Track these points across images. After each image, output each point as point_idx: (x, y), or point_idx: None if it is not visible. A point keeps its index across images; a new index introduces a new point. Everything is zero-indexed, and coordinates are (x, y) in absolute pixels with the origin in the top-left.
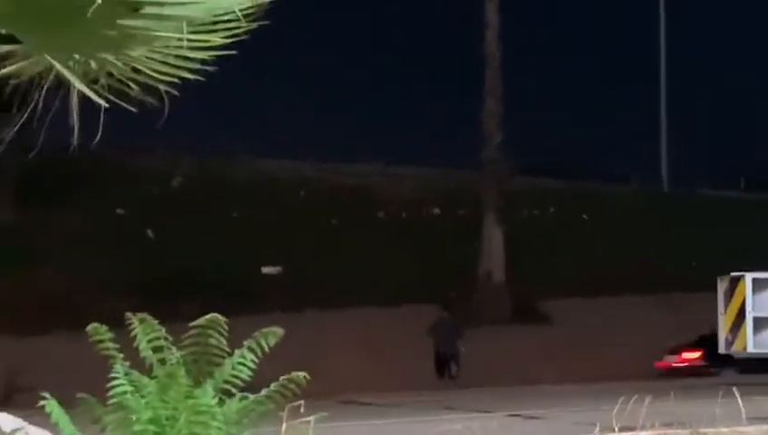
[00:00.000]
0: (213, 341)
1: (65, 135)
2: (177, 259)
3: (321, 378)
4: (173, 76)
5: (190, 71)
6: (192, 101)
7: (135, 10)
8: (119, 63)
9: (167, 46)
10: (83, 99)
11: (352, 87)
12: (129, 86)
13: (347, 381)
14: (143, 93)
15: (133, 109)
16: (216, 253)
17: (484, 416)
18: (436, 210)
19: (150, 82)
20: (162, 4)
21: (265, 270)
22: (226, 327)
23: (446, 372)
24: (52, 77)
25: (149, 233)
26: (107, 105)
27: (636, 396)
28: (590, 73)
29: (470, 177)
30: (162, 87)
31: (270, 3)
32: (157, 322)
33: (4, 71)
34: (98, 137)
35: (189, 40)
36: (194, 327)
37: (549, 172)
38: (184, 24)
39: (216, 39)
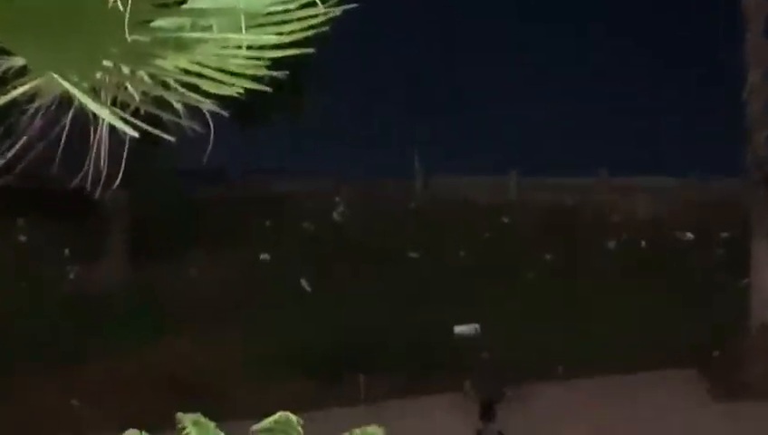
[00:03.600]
0: None
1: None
2: (346, 318)
3: None
4: (232, 86)
5: (253, 79)
6: (348, 105)
7: (164, 6)
8: (146, 78)
9: (223, 49)
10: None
11: (559, 75)
12: (170, 106)
13: None
14: (187, 115)
15: (171, 138)
16: (394, 308)
17: None
18: (688, 235)
19: (195, 101)
20: None
21: (458, 329)
22: (301, 430)
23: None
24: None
25: (305, 284)
26: (136, 134)
27: None
28: None
29: (730, 186)
30: (208, 107)
31: None
32: (214, 423)
33: (14, 93)
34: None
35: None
36: (260, 431)
37: None
38: (242, 18)
39: (284, 35)
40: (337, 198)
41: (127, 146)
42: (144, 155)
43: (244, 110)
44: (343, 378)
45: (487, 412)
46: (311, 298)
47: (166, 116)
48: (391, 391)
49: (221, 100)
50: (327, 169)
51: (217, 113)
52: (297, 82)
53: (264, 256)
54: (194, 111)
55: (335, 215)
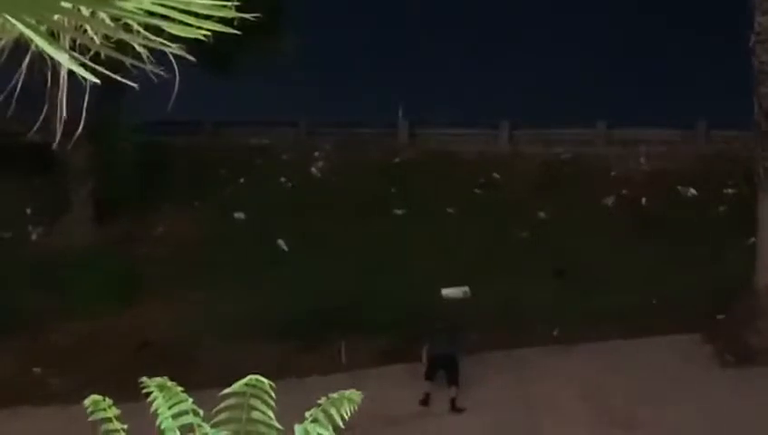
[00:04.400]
0: (257, 414)
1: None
2: (326, 280)
3: None
4: (199, 29)
5: (221, 22)
6: (328, 52)
7: None
8: (107, 21)
9: None
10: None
11: (553, 21)
12: (132, 50)
13: None
14: (154, 62)
15: (134, 85)
16: (377, 269)
17: None
18: (691, 191)
19: (159, 45)
20: None
21: (446, 292)
22: (273, 394)
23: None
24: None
25: (282, 244)
26: (97, 81)
27: None
28: None
29: (737, 139)
30: (174, 51)
31: None
32: (180, 389)
33: None
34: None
35: None
36: (229, 395)
37: None
38: None
39: None
40: (316, 152)
41: (90, 96)
42: (110, 106)
43: (216, 56)
44: (323, 343)
45: (434, 373)
46: (288, 259)
47: (130, 62)
48: (374, 357)
49: (191, 45)
50: (306, 121)
51: (188, 61)
52: (272, 26)
53: (239, 215)
54: (161, 58)
55: (314, 169)
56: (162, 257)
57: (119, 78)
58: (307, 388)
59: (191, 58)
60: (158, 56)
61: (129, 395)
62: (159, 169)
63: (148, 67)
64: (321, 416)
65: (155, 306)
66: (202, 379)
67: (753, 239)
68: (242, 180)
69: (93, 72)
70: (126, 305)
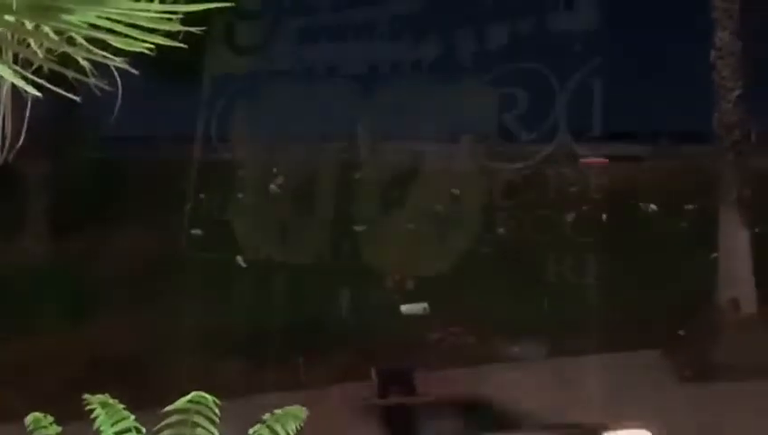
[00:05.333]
0: (201, 431)
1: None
2: (286, 296)
3: None
4: (144, 43)
5: (167, 36)
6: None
7: None
8: (52, 35)
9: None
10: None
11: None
12: (77, 64)
13: None
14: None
15: (75, 98)
16: (337, 286)
17: None
18: (651, 207)
19: (103, 59)
20: None
21: (406, 308)
22: (217, 410)
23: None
24: None
25: (240, 261)
26: (38, 94)
27: None
28: None
29: (697, 152)
30: (118, 64)
31: None
32: (123, 406)
33: None
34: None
35: None
36: (172, 412)
37: None
38: None
39: None
40: (275, 168)
41: (47, 111)
42: (67, 121)
43: (171, 70)
44: (282, 360)
45: (386, 391)
46: (247, 275)
47: (78, 77)
48: (334, 375)
49: (149, 58)
50: (264, 136)
51: (146, 76)
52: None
53: (196, 232)
54: (120, 72)
55: (273, 186)
56: (118, 274)
57: (67, 94)
58: (265, 405)
59: (134, 71)
60: (118, 70)
61: (81, 413)
62: (116, 184)
63: (92, 81)
64: (265, 432)
65: (110, 323)
66: (156, 397)
67: (715, 255)
68: (201, 196)
69: (39, 87)
70: (81, 322)
